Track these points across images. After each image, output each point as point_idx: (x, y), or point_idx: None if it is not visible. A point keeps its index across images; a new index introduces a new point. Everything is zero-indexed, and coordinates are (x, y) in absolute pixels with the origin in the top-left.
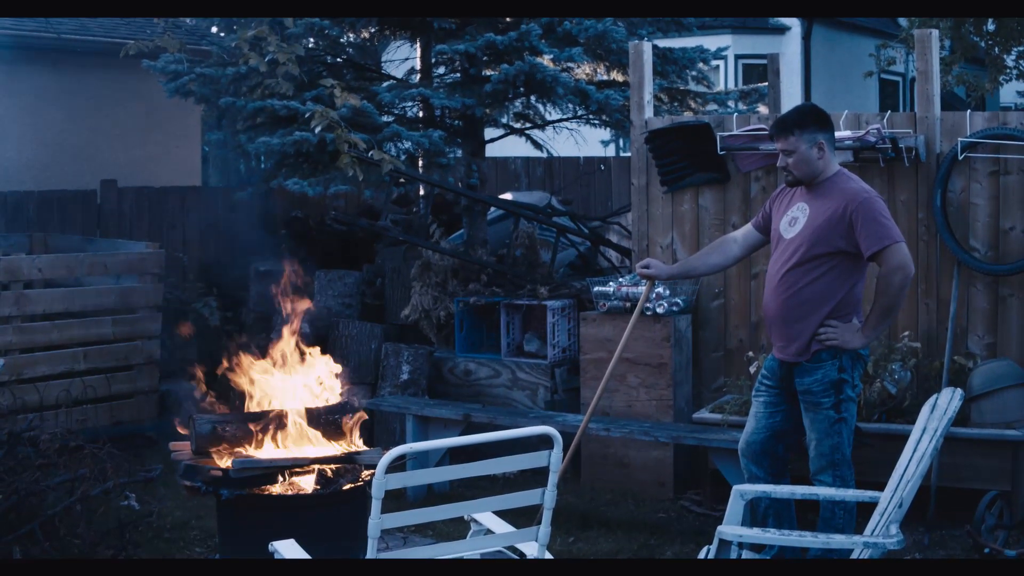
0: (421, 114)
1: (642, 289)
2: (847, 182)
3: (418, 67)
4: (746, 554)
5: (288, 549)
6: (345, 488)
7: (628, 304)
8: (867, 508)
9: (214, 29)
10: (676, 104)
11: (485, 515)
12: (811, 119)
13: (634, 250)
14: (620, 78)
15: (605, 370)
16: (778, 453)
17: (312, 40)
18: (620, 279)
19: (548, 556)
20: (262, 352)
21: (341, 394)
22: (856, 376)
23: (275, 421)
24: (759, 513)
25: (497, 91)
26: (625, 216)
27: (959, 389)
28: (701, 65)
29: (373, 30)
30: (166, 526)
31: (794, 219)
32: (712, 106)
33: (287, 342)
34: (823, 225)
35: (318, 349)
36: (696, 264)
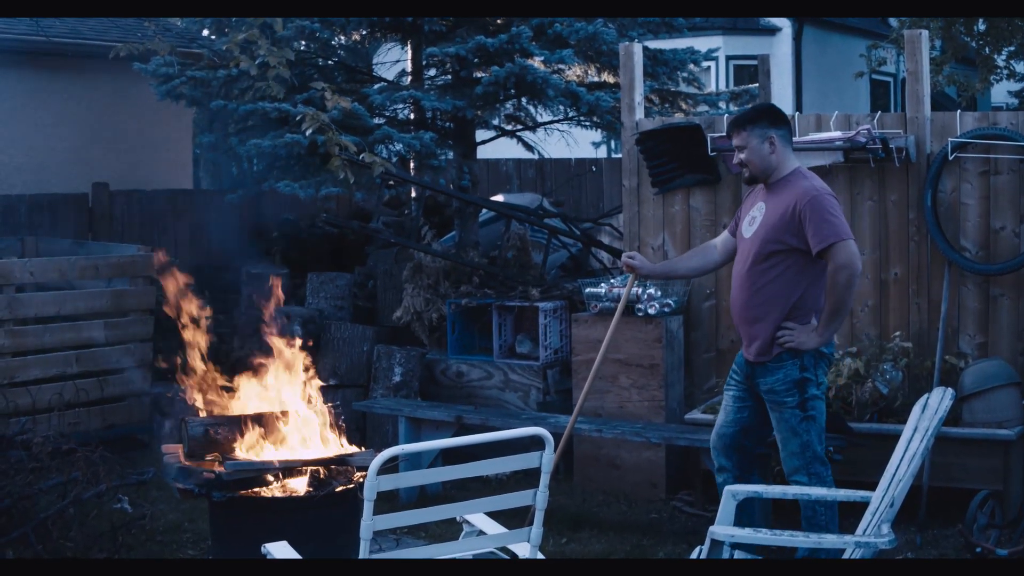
0: (412, 116)
1: (634, 291)
2: (800, 180)
3: (409, 69)
4: (738, 554)
5: (281, 551)
6: (337, 490)
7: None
8: (856, 508)
9: (205, 32)
10: (667, 105)
11: (477, 516)
12: (762, 115)
13: (625, 251)
14: (611, 80)
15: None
16: (747, 447)
17: (303, 43)
18: (612, 280)
19: (540, 557)
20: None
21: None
22: (820, 374)
23: (266, 423)
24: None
25: (488, 93)
26: (616, 217)
27: (950, 389)
28: (692, 66)
29: (364, 32)
30: (159, 529)
31: (753, 218)
32: (703, 107)
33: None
34: (776, 223)
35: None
36: (677, 266)
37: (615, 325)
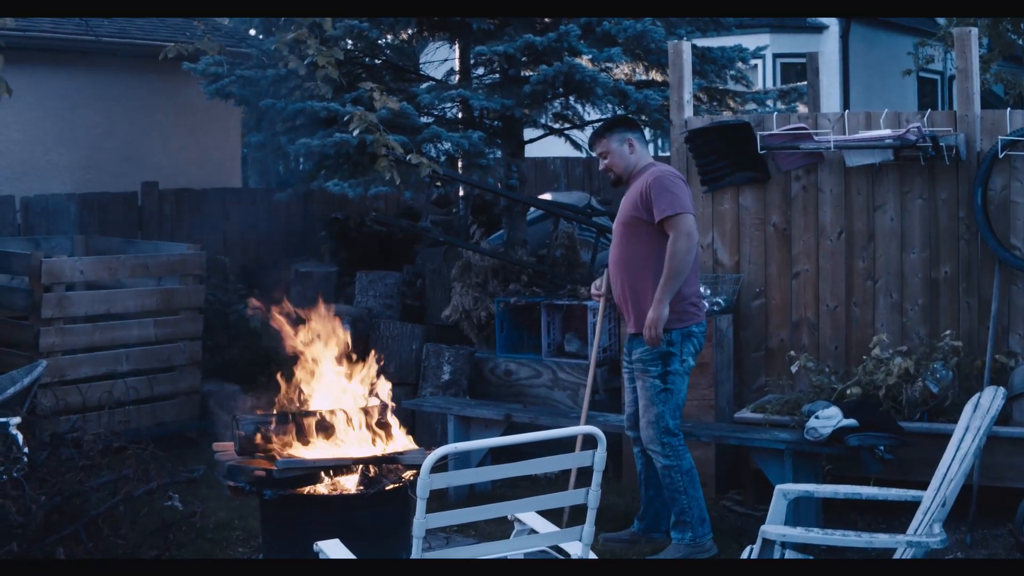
0: (460, 115)
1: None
2: (650, 167)
3: (457, 68)
4: (789, 554)
5: (333, 549)
6: (388, 488)
7: None
8: (907, 507)
9: (252, 32)
10: (715, 104)
11: (529, 515)
12: (618, 122)
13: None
14: (659, 78)
15: None
16: None
17: (351, 42)
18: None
19: (592, 556)
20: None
21: (375, 393)
22: (685, 352)
23: (318, 421)
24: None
25: (536, 92)
26: None
27: (1002, 388)
28: (740, 64)
29: (412, 31)
30: (209, 526)
31: (617, 212)
32: (751, 105)
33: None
34: (630, 205)
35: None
36: None
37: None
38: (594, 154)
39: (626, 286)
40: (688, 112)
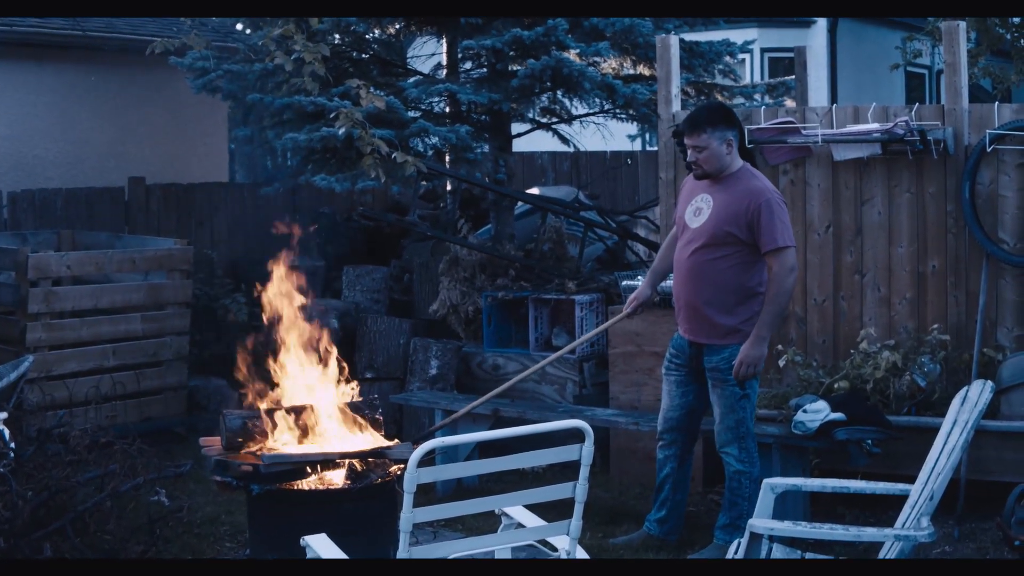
0: (448, 109)
1: (668, 283)
2: (751, 178)
3: (444, 62)
4: (776, 547)
5: (320, 543)
6: (375, 483)
7: (657, 298)
8: (893, 500)
9: (239, 26)
10: (703, 98)
11: (516, 509)
12: (720, 118)
13: (661, 244)
14: (647, 72)
15: (634, 364)
16: (691, 428)
17: (338, 37)
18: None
19: (580, 549)
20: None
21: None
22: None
23: (305, 417)
24: (658, 481)
25: (524, 86)
26: (652, 210)
27: (990, 381)
28: (728, 58)
29: (399, 26)
30: (196, 521)
31: (699, 209)
32: (739, 99)
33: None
34: (727, 216)
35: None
36: (661, 266)
37: (607, 325)
38: (686, 141)
39: (695, 296)
40: (676, 106)
